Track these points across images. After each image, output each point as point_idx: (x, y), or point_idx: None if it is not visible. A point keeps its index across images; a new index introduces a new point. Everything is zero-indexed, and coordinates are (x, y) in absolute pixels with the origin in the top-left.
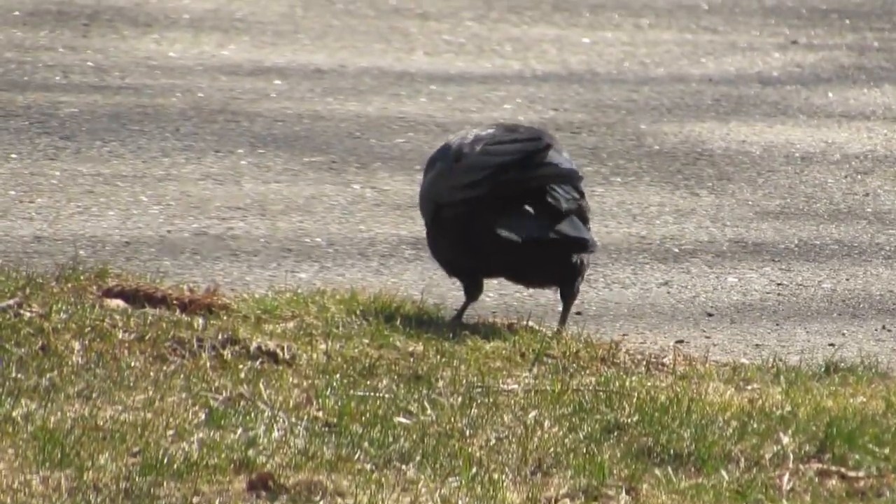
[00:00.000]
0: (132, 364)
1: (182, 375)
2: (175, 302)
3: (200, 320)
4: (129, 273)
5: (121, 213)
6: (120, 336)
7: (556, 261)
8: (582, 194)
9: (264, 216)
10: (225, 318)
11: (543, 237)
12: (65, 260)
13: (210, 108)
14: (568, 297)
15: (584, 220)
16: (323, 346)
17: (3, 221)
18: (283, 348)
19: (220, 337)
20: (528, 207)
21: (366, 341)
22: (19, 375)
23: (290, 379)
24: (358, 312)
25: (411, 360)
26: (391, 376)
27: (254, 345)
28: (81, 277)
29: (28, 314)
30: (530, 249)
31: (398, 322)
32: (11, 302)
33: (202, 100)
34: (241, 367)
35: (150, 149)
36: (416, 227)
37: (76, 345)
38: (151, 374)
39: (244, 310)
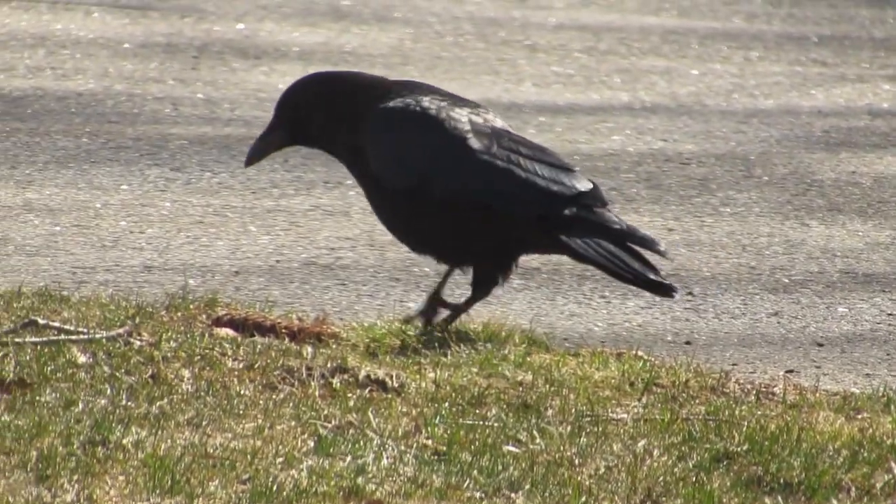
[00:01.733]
0: (242, 392)
1: (291, 403)
2: (284, 331)
3: (309, 349)
4: (239, 302)
5: (230, 244)
6: (229, 364)
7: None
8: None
9: (373, 246)
10: (334, 346)
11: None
12: (175, 289)
13: None
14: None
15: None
16: (432, 375)
17: (113, 251)
18: (391, 377)
19: (329, 365)
20: None
21: (474, 370)
22: (130, 403)
23: (399, 407)
24: (466, 341)
25: (520, 388)
26: (500, 405)
27: (363, 373)
28: (191, 307)
29: (138, 343)
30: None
31: (507, 351)
32: (122, 331)
33: None
34: (349, 395)
35: (260, 180)
36: (525, 256)
37: (186, 373)
38: (261, 402)
39: (353, 338)
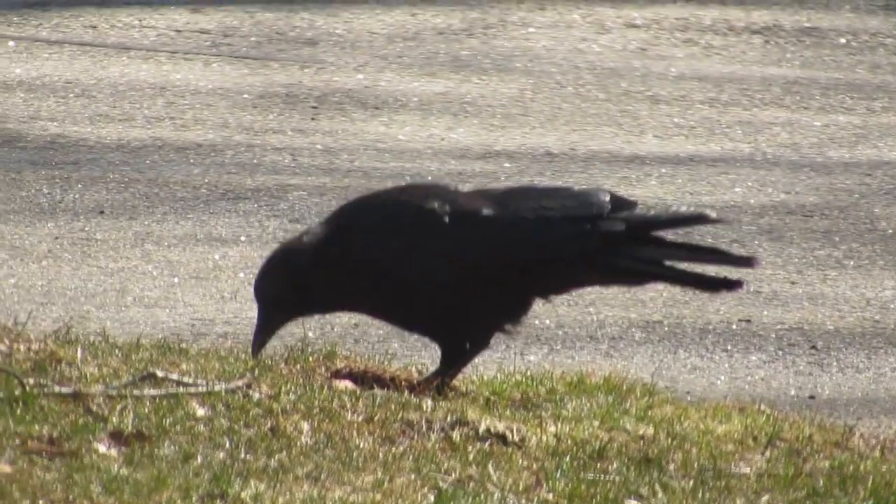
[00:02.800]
0: (361, 445)
1: (411, 457)
2: (403, 384)
3: (429, 402)
4: (358, 355)
5: None
6: (348, 417)
7: None
8: None
9: None
10: (454, 399)
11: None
12: (293, 342)
13: None
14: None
15: None
16: (552, 429)
17: (232, 303)
18: (511, 430)
19: (448, 418)
20: None
21: (596, 423)
22: (248, 456)
23: (520, 461)
24: (587, 395)
25: (642, 442)
26: (621, 459)
27: (482, 426)
28: (310, 359)
29: (257, 395)
30: None
31: (628, 404)
32: (241, 383)
33: None
34: (469, 448)
35: None
36: (646, 309)
37: (305, 426)
38: (380, 455)
39: (473, 391)
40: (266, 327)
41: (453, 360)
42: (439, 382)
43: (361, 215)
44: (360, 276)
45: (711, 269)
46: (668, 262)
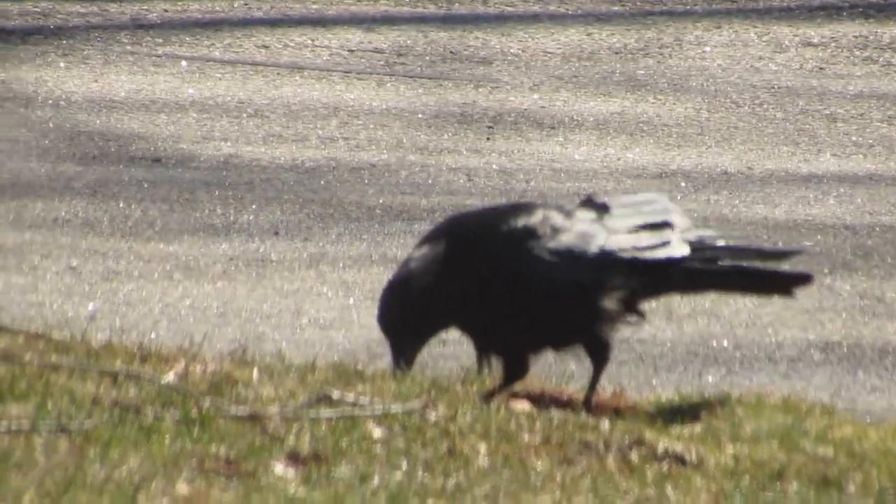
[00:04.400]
0: (538, 466)
1: (588, 478)
2: (581, 405)
3: (607, 423)
4: (535, 376)
5: None
6: (526, 438)
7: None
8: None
9: (670, 320)
10: (631, 421)
11: None
12: (470, 363)
13: None
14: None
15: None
16: (730, 450)
17: None
18: (690, 451)
19: (626, 440)
20: None
21: (774, 444)
22: (425, 477)
23: (698, 482)
24: (765, 416)
25: (821, 463)
26: (801, 480)
27: (660, 447)
28: (487, 380)
29: (434, 417)
30: None
31: (807, 425)
32: (417, 404)
33: None
34: (647, 469)
35: None
36: (825, 330)
37: (482, 447)
38: (557, 476)
39: (650, 413)
40: (402, 359)
41: (602, 361)
42: (590, 391)
43: (481, 226)
44: (494, 284)
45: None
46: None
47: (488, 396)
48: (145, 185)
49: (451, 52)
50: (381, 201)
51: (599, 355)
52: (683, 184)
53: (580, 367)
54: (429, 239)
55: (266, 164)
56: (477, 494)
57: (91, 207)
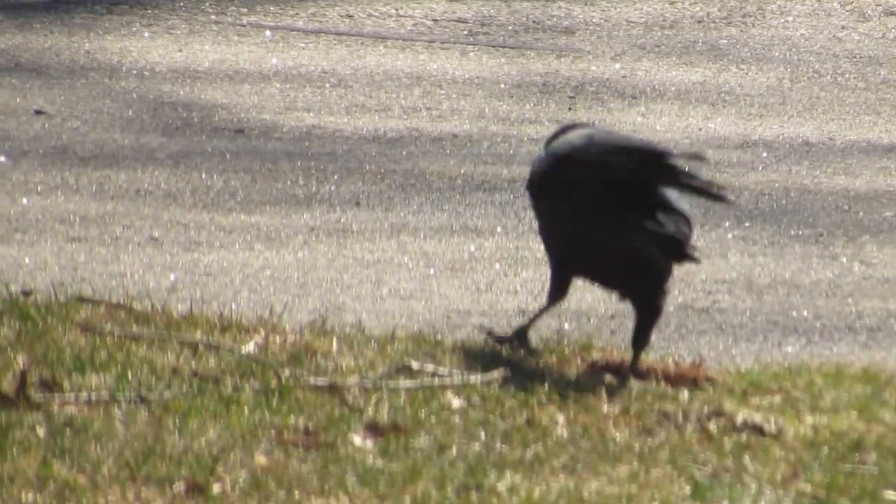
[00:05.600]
0: (616, 437)
1: (667, 448)
2: (660, 375)
3: (686, 393)
4: (614, 346)
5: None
6: (604, 409)
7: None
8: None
9: (750, 290)
10: (710, 391)
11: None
12: (549, 333)
13: None
14: (638, 339)
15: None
16: (809, 420)
17: (487, 295)
18: (769, 421)
19: (705, 410)
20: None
21: (854, 415)
22: (504, 448)
23: (776, 452)
24: (845, 386)
25: None
26: (880, 451)
27: (739, 418)
28: (566, 350)
29: (513, 387)
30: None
31: (886, 396)
32: (496, 375)
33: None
34: (726, 440)
35: None
36: None
37: (560, 417)
38: (636, 447)
39: (730, 383)
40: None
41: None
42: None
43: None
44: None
45: None
46: None
47: (531, 321)
48: (227, 156)
49: (533, 21)
50: (462, 171)
51: (645, 309)
52: (765, 154)
53: (659, 337)
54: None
55: (349, 135)
56: (555, 465)
57: (173, 178)
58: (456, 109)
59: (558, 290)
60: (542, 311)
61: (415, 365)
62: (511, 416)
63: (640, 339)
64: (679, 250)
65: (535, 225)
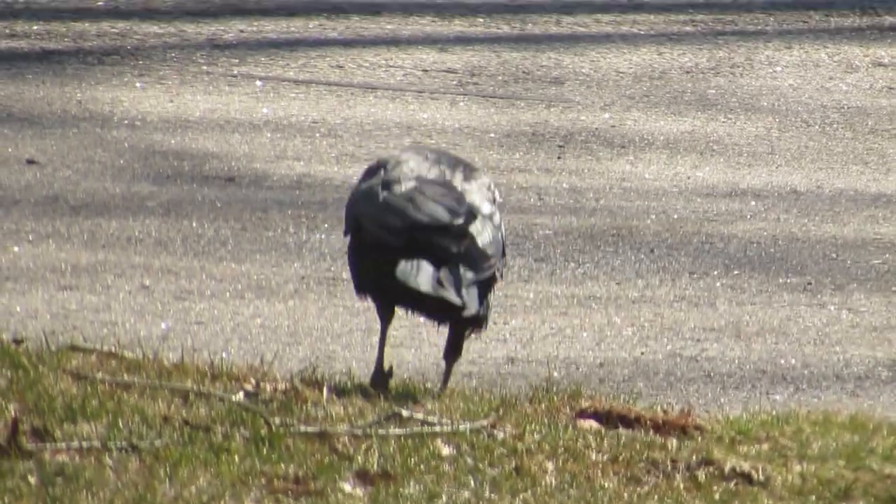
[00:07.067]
0: (605, 485)
1: (656, 496)
2: (648, 423)
3: (674, 441)
4: (603, 394)
5: (594, 335)
6: (593, 457)
7: (445, 314)
8: (490, 267)
9: (739, 338)
10: (699, 439)
11: (429, 292)
12: (538, 381)
13: (685, 229)
14: (449, 352)
15: (487, 287)
16: (798, 468)
17: (477, 343)
18: (757, 469)
19: (694, 458)
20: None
21: (841, 463)
22: (493, 496)
23: (765, 501)
24: (833, 434)
25: (888, 482)
26: (867, 499)
27: (728, 466)
28: (555, 398)
29: (501, 435)
30: (422, 297)
31: (874, 444)
32: (485, 422)
33: (676, 221)
34: (715, 488)
35: (624, 270)
36: (893, 348)
37: (549, 465)
38: (625, 495)
39: (718, 431)
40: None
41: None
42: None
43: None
44: None
45: None
46: None
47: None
48: (218, 205)
49: (523, 71)
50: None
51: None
52: (753, 202)
53: (648, 386)
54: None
55: (339, 184)
56: None
57: (164, 227)
58: None
59: (382, 316)
60: (380, 341)
61: (405, 412)
62: (500, 463)
63: (451, 351)
64: (438, 306)
65: (524, 273)
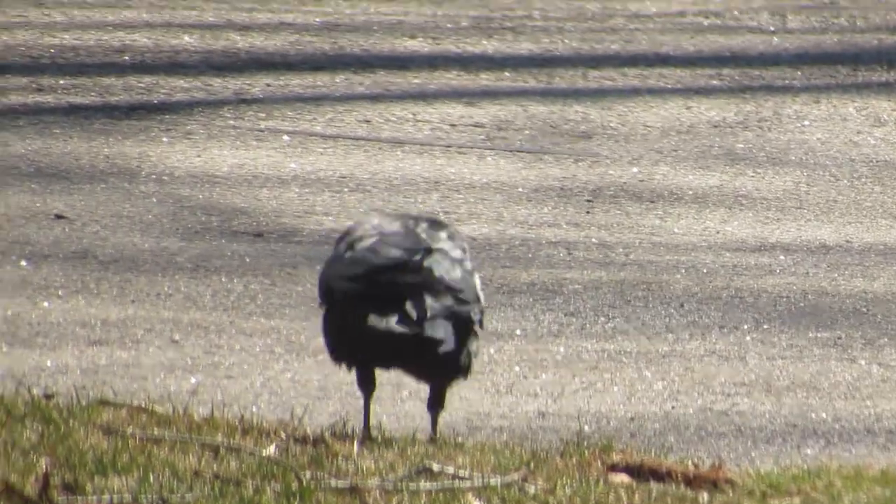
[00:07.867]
0: None
1: None
2: (679, 477)
3: (706, 495)
4: (634, 448)
5: (625, 389)
6: None
7: (423, 360)
8: (465, 302)
9: (769, 392)
10: (730, 493)
11: (405, 331)
12: (569, 435)
13: (714, 284)
14: (433, 403)
15: (463, 329)
16: None
17: (508, 397)
18: None
19: None
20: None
21: None
22: None
23: None
24: (864, 488)
25: None
26: None
27: None
28: (586, 452)
29: (532, 489)
30: (397, 343)
31: None
32: (516, 476)
33: (706, 276)
34: None
35: (655, 325)
36: None
37: None
38: None
39: (749, 485)
40: None
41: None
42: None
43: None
44: None
45: None
46: None
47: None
48: (247, 260)
49: (551, 125)
50: (481, 275)
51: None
52: (782, 257)
53: (679, 440)
54: None
55: None
56: None
57: (193, 282)
58: (474, 213)
59: (363, 387)
60: (364, 416)
61: (435, 467)
62: None
63: (434, 402)
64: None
65: (554, 328)
